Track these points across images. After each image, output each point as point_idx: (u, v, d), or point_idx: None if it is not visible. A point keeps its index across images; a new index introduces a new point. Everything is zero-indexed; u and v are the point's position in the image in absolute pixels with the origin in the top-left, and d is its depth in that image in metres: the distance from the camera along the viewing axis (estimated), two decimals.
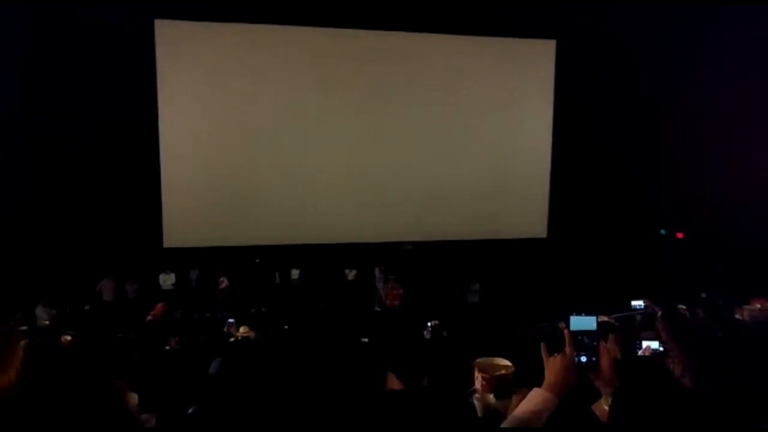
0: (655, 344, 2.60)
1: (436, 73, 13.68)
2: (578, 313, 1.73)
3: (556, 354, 1.68)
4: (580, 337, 1.69)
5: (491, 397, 2.55)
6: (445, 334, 7.21)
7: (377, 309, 12.48)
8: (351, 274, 13.23)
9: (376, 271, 12.99)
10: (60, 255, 11.41)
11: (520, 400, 2.26)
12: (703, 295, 8.46)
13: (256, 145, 13.00)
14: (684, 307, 5.29)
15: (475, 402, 2.55)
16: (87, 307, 11.06)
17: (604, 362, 1.66)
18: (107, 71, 11.68)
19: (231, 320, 7.22)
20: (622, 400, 1.40)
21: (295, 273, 13.12)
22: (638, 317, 5.71)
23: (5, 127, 11.35)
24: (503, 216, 14.35)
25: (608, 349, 1.69)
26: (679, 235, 13.41)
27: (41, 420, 1.10)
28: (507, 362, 2.78)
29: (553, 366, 1.65)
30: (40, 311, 9.97)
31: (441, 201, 13.84)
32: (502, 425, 1.55)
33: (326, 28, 12.91)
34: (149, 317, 8.00)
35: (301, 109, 13.08)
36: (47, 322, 9.52)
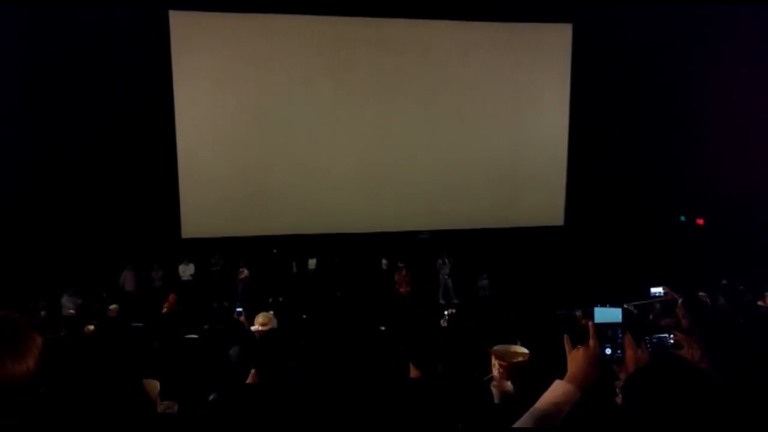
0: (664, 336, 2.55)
1: (451, 60, 13.56)
2: (602, 305, 1.69)
3: (579, 346, 1.65)
4: (604, 330, 1.65)
5: (508, 384, 2.55)
6: (460, 322, 7.21)
7: (442, 302, 12.11)
8: (384, 264, 13.17)
9: (439, 262, 12.84)
10: (83, 246, 11.62)
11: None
12: (724, 281, 8.34)
13: (272, 135, 13.05)
14: (704, 293, 5.21)
15: (493, 389, 2.56)
16: (107, 297, 11.25)
17: (630, 355, 1.64)
18: (123, 63, 11.80)
19: (239, 309, 7.28)
20: (634, 386, 1.39)
21: (311, 262, 13.19)
22: (658, 305, 5.64)
23: (27, 123, 11.55)
24: (520, 204, 14.26)
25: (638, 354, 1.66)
26: (700, 221, 13.20)
27: (59, 407, 1.12)
28: (524, 350, 2.78)
29: (575, 358, 1.63)
30: (65, 301, 10.19)
31: (457, 189, 13.79)
32: (523, 417, 1.54)
33: (340, 16, 12.87)
34: (165, 308, 8.17)
35: (315, 99, 13.08)
36: (72, 312, 9.72)
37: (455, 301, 12.13)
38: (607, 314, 1.68)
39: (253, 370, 2.95)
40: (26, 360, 1.06)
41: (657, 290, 5.82)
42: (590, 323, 1.67)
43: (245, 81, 12.79)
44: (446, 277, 12.70)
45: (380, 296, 11.85)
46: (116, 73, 11.82)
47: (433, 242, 13.65)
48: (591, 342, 1.64)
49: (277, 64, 12.84)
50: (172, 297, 8.36)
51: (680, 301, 4.30)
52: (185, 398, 2.93)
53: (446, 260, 12.79)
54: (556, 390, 1.59)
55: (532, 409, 1.55)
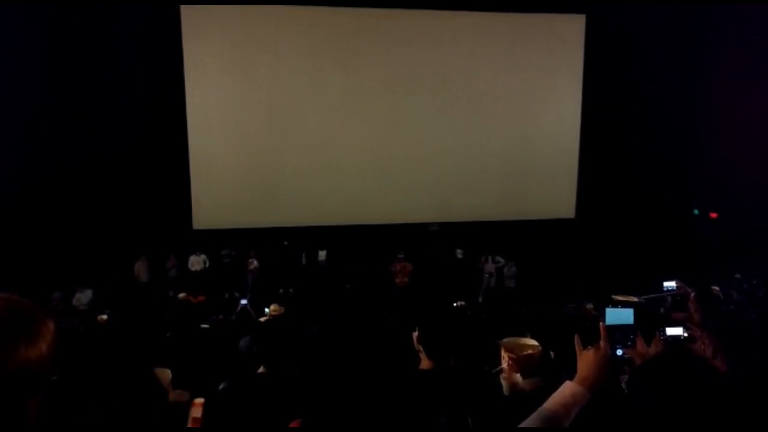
0: (679, 330, 2.52)
1: (463, 52, 13.46)
2: (614, 306, 1.66)
3: (590, 347, 1.64)
4: (616, 331, 1.63)
5: (518, 377, 2.55)
6: (469, 314, 7.22)
7: (480, 301, 11.59)
8: (459, 254, 12.85)
9: (482, 260, 12.47)
10: (96, 238, 11.72)
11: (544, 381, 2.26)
12: (738, 275, 8.26)
13: (283, 126, 13.06)
14: (717, 288, 5.16)
15: (502, 381, 2.56)
16: (120, 288, 11.36)
17: (639, 354, 1.63)
18: (136, 57, 11.85)
19: (243, 301, 7.33)
20: (641, 376, 1.38)
21: (322, 254, 13.21)
22: (669, 299, 5.60)
23: (41, 116, 11.64)
24: (531, 196, 14.17)
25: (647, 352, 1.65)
26: (713, 215, 13.06)
27: (71, 394, 1.12)
28: (534, 342, 2.77)
29: (586, 360, 1.61)
30: (76, 298, 10.27)
31: (467, 181, 13.72)
32: (531, 417, 1.53)
33: (351, 7, 12.82)
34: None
35: (326, 91, 13.06)
36: (83, 306, 9.82)
37: (479, 300, 11.68)
38: (619, 316, 1.66)
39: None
40: (39, 345, 1.05)
41: (670, 284, 5.77)
42: (602, 325, 1.65)
43: (256, 73, 12.79)
44: (488, 276, 12.33)
45: (393, 290, 11.80)
46: (129, 67, 11.87)
47: (444, 234, 13.63)
48: (602, 344, 1.63)
49: (288, 56, 12.82)
50: (201, 298, 8.41)
51: (693, 295, 4.26)
52: (196, 387, 2.96)
53: (490, 258, 12.40)
54: (565, 391, 1.57)
55: (540, 409, 1.54)
